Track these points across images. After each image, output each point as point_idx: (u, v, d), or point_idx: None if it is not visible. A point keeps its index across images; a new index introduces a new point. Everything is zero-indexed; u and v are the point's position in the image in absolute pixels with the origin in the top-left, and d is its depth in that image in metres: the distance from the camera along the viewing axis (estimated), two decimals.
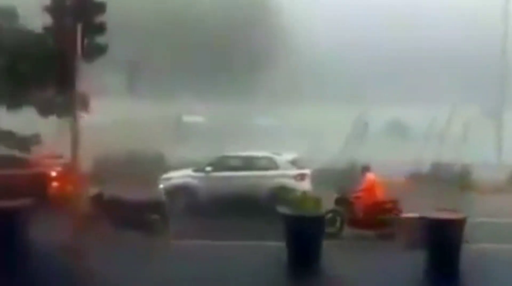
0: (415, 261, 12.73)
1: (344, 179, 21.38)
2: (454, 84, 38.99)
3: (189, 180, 20.86)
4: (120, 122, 29.11)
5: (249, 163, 21.15)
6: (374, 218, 16.49)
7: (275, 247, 13.66)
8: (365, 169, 17.55)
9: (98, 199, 15.98)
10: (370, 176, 17.27)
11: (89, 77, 16.04)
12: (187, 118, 41.64)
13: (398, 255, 13.89)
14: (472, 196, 23.10)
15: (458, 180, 25.14)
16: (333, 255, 13.13)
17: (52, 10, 15.19)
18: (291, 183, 20.36)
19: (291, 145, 25.66)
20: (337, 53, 50.47)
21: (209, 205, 19.62)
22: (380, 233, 16.31)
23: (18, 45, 17.19)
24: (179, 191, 20.30)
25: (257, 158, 21.37)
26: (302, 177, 20.76)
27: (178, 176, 21.21)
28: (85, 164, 15.91)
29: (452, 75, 40.45)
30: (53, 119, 17.66)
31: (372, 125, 35.52)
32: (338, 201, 17.07)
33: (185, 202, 19.63)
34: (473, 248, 13.19)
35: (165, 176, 21.30)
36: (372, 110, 38.82)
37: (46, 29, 15.31)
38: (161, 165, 24.29)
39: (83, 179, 16.71)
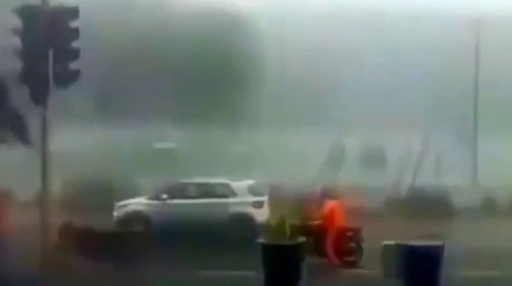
0: None
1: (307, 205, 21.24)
2: (429, 110, 39.44)
3: (143, 207, 20.72)
4: (90, 148, 28.92)
5: (206, 190, 21.03)
6: (337, 246, 16.17)
7: (244, 276, 13.63)
8: (326, 194, 17.13)
9: (66, 229, 15.79)
10: (331, 201, 16.62)
11: (60, 102, 15.97)
12: (158, 144, 41.62)
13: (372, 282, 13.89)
14: (449, 221, 23.31)
15: (435, 204, 25.33)
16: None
17: (23, 33, 15.11)
18: (249, 210, 20.37)
19: (261, 171, 25.70)
20: (312, 77, 50.98)
21: (163, 233, 19.09)
22: (344, 261, 16.09)
23: None
24: (133, 218, 20.11)
25: (214, 185, 21.23)
26: (260, 204, 20.70)
27: (133, 203, 21.02)
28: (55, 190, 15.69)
29: (427, 101, 40.92)
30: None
31: (347, 150, 35.80)
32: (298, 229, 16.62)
33: (139, 230, 19.24)
34: (453, 275, 13.24)
35: (120, 203, 21.01)
36: (347, 134, 39.15)
37: (17, 51, 15.19)
38: (128, 192, 24.07)
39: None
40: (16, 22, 15.22)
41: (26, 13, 15.23)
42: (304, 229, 15.81)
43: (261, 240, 13.29)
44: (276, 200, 21.99)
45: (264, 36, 49.47)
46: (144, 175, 25.48)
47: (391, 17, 46.71)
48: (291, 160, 36.02)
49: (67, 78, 15.72)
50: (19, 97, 16.21)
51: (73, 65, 15.71)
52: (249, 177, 22.23)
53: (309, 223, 16.49)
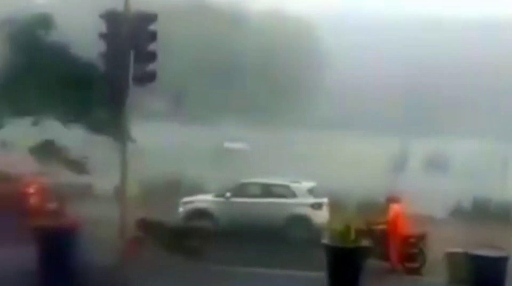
0: None
1: (370, 210, 21.03)
2: (496, 119, 38.68)
3: (207, 204, 21.10)
4: (165, 146, 29.50)
5: (267, 190, 21.22)
6: (400, 251, 15.97)
7: (302, 276, 13.70)
8: (391, 200, 16.73)
9: (141, 223, 16.33)
10: (395, 207, 16.37)
11: (139, 102, 16.44)
12: (228, 144, 42.01)
13: None
14: None
15: (500, 213, 24.75)
16: None
17: (107, 37, 15.64)
18: (308, 211, 20.43)
19: (325, 173, 25.71)
20: (378, 82, 50.57)
21: (224, 230, 19.55)
22: (407, 267, 15.90)
23: (76, 68, 17.72)
24: (196, 215, 20.50)
25: (275, 185, 21.39)
26: (319, 206, 20.75)
27: (197, 200, 21.42)
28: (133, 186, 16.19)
29: (494, 110, 40.14)
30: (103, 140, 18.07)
31: (411, 157, 35.40)
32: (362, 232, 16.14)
33: (205, 226, 19.48)
34: None
35: (185, 199, 21.45)
36: (412, 142, 38.65)
37: (101, 54, 15.75)
38: (197, 189, 24.51)
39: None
40: (102, 26, 15.70)
41: (110, 19, 15.69)
42: (368, 233, 15.64)
43: (325, 241, 13.38)
44: (338, 203, 22.08)
45: (332, 39, 49.41)
46: (213, 173, 25.79)
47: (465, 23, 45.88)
48: (355, 163, 35.88)
49: (145, 79, 16.09)
50: (101, 96, 16.72)
51: (151, 67, 16.06)
52: (313, 178, 22.30)
53: (373, 227, 16.34)
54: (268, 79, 48.55)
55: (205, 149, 32.01)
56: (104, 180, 21.19)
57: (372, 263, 15.10)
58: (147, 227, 16.26)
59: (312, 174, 23.80)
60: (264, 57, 48.99)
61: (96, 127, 17.99)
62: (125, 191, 15.36)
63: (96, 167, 19.66)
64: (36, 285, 12.78)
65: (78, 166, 18.58)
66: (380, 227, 16.44)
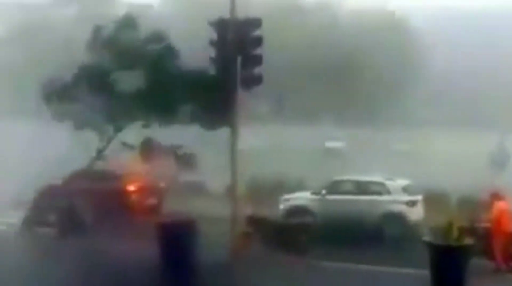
0: None
1: (471, 207, 20.36)
2: None
3: (305, 201, 21.29)
4: (270, 147, 29.96)
5: (361, 188, 21.10)
6: (505, 250, 15.30)
7: (410, 274, 13.69)
8: (495, 197, 15.84)
9: (250, 220, 16.83)
10: (500, 204, 15.54)
11: (246, 104, 16.89)
12: (329, 144, 42.07)
13: None
14: None
15: None
16: None
17: (216, 43, 16.18)
18: (403, 209, 20.18)
19: (424, 171, 25.36)
20: (473, 79, 49.24)
21: (323, 226, 19.49)
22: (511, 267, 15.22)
23: (186, 74, 18.42)
24: (297, 211, 20.71)
25: (369, 182, 21.23)
26: (413, 203, 20.45)
27: (297, 198, 21.66)
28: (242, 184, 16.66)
29: None
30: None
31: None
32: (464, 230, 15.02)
33: (307, 222, 19.53)
34: None
35: (285, 197, 21.78)
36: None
37: (211, 59, 16.29)
38: (303, 188, 24.80)
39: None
40: (211, 33, 16.25)
41: (218, 25, 16.20)
42: (471, 231, 14.97)
43: (427, 239, 13.32)
44: (435, 200, 21.75)
45: (428, 35, 48.42)
46: (315, 172, 25.97)
47: None
48: (453, 160, 35.14)
49: (252, 82, 16.51)
50: (211, 100, 17.27)
51: (257, 70, 16.46)
52: (408, 176, 22.05)
53: (476, 225, 15.76)
54: (366, 78, 48.21)
55: (307, 148, 32.23)
56: (214, 179, 21.83)
57: (475, 262, 14.46)
58: (256, 223, 16.71)
59: (410, 172, 23.54)
60: (361, 56, 48.69)
61: (206, 130, 18.55)
62: (235, 189, 15.82)
63: (207, 167, 20.32)
64: (158, 278, 13.36)
65: (187, 162, 19.20)
66: (484, 224, 15.84)
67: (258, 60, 16.42)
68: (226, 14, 16.20)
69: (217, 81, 16.39)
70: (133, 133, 19.28)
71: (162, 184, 22.74)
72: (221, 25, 16.20)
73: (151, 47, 18.85)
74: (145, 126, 18.97)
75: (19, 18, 48.40)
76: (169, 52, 18.64)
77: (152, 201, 21.61)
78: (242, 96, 16.26)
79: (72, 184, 19.83)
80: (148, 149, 18.89)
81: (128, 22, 19.01)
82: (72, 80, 18.59)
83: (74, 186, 19.53)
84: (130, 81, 18.40)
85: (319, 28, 48.23)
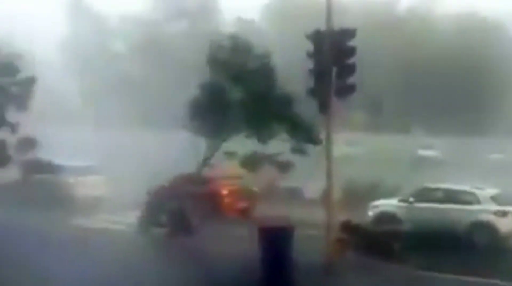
0: None
1: None
2: None
3: (392, 208, 20.85)
4: (364, 154, 29.63)
5: (450, 196, 20.33)
6: None
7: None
8: None
9: (346, 225, 16.58)
10: None
11: (340, 113, 16.76)
12: (422, 152, 40.97)
13: None
14: None
15: None
16: None
17: (313, 54, 16.18)
18: (492, 219, 19.28)
19: None
20: None
21: (410, 234, 19.00)
22: None
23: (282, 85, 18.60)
24: (385, 218, 20.33)
25: (458, 191, 20.41)
26: (503, 213, 19.42)
27: (385, 204, 21.26)
28: (336, 191, 16.53)
29: None
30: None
31: None
32: None
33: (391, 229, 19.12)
34: None
35: (374, 203, 21.48)
36: None
37: (308, 70, 16.30)
38: (396, 195, 24.33)
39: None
40: (308, 45, 16.26)
41: (315, 37, 16.20)
42: None
43: None
44: None
45: None
46: (408, 180, 25.36)
47: None
48: None
49: (346, 92, 16.35)
50: (308, 108, 17.33)
51: (351, 80, 16.29)
52: (502, 186, 21.16)
53: None
54: (462, 85, 46.59)
55: (401, 156, 31.54)
56: (310, 185, 21.88)
57: None
58: (351, 229, 16.47)
59: (504, 182, 22.56)
60: (455, 63, 47.18)
61: (303, 138, 18.62)
62: (331, 195, 15.72)
63: (304, 174, 20.34)
64: (258, 280, 13.45)
65: (283, 167, 19.33)
66: None
67: (352, 69, 16.28)
68: (322, 26, 16.16)
69: (312, 91, 16.31)
70: (237, 143, 19.48)
71: (255, 189, 23.18)
72: (317, 37, 16.22)
73: (255, 61, 19.07)
74: (248, 137, 19.13)
75: (137, 33, 50.27)
76: (271, 66, 18.87)
77: (244, 204, 22.91)
78: (336, 104, 16.08)
79: (180, 187, 20.64)
80: (251, 158, 19.10)
81: (237, 40, 19.32)
82: (192, 95, 19.20)
83: (182, 189, 20.18)
84: (236, 94, 18.77)
85: (414, 35, 47.16)
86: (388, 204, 21.36)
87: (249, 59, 19.13)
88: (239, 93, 18.94)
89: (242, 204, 23.16)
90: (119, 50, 53.20)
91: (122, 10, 50.41)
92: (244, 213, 22.91)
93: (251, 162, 19.31)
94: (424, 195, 20.75)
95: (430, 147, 42.50)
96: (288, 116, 18.55)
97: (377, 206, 21.34)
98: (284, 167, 19.08)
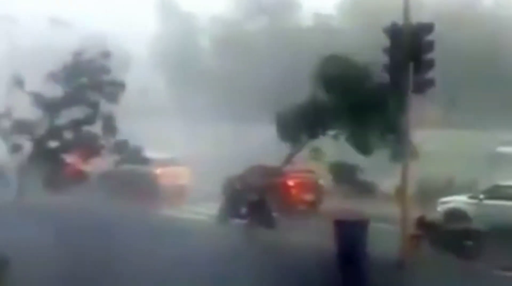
0: None
1: None
2: None
3: (463, 205, 20.09)
4: (441, 150, 28.57)
5: None
6: None
7: None
8: None
9: (420, 222, 15.92)
10: None
11: (418, 108, 16.08)
12: (501, 149, 39.10)
13: None
14: None
15: None
16: None
17: (390, 49, 15.56)
18: None
19: None
20: None
21: (483, 231, 18.01)
22: None
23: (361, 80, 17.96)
24: (454, 215, 19.64)
25: None
26: None
27: (454, 201, 20.51)
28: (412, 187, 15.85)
29: None
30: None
31: None
32: None
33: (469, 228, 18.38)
34: None
35: (442, 199, 20.79)
36: None
37: (384, 66, 15.73)
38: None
39: None
40: (385, 40, 15.64)
41: (392, 32, 15.60)
42: None
43: None
44: None
45: None
46: (485, 177, 24.17)
47: None
48: None
49: (423, 87, 15.68)
50: (385, 105, 16.74)
51: (429, 75, 15.61)
52: None
53: None
54: None
55: (478, 153, 30.14)
56: (386, 181, 21.32)
57: None
58: (426, 225, 15.83)
59: None
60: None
61: (380, 133, 18.03)
62: (406, 191, 15.12)
63: (379, 169, 19.77)
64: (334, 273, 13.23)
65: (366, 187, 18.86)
66: None
67: (429, 64, 15.61)
68: (400, 20, 15.55)
69: (389, 86, 15.72)
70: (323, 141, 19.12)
71: (321, 182, 23.61)
72: (394, 32, 15.63)
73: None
74: (335, 137, 18.81)
75: (220, 31, 50.77)
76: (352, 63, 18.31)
77: (311, 196, 23.03)
78: (414, 100, 15.42)
79: (257, 178, 20.47)
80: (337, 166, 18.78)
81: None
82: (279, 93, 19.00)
83: (259, 180, 20.09)
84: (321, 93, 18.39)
85: (495, 28, 45.01)
86: (456, 200, 20.67)
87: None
88: (331, 94, 18.44)
89: (309, 197, 23.09)
90: (203, 47, 53.77)
91: (206, 9, 50.95)
92: (311, 206, 22.84)
93: (336, 171, 18.92)
94: (496, 192, 19.93)
95: (510, 144, 40.57)
96: (369, 110, 17.80)
97: (446, 202, 20.67)
98: (367, 188, 18.62)
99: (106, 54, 23.63)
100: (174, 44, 52.04)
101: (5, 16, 33.22)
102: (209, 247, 16.11)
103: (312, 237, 17.10)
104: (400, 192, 15.33)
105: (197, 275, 12.95)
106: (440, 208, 20.51)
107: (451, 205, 20.38)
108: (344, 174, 18.96)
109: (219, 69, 47.90)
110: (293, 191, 22.86)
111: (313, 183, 23.68)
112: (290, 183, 22.86)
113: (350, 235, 13.36)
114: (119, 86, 23.83)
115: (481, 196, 19.94)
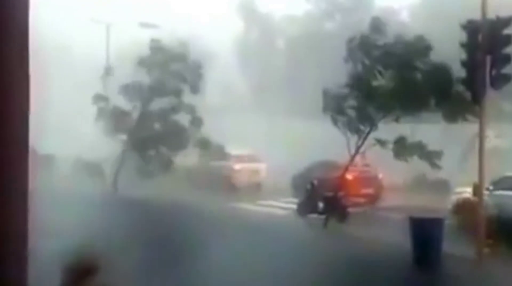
0: None
1: None
2: None
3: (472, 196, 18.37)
4: None
5: None
6: None
7: None
8: None
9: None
10: None
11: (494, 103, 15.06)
12: None
13: None
14: None
15: None
16: None
17: (467, 44, 14.66)
18: None
19: None
20: None
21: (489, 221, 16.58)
22: None
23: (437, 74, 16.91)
24: (464, 205, 18.12)
25: None
26: None
27: (465, 192, 19.01)
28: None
29: None
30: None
31: None
32: None
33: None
34: None
35: (457, 190, 19.74)
36: None
37: (461, 61, 14.81)
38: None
39: None
40: (462, 36, 14.72)
41: (469, 27, 14.65)
42: None
43: None
44: None
45: None
46: None
47: None
48: None
49: (500, 82, 14.63)
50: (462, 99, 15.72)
51: (506, 69, 14.54)
52: None
53: None
54: None
55: None
56: (459, 177, 20.24)
57: None
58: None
59: None
60: None
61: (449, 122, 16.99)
62: (482, 188, 14.15)
63: (452, 166, 18.78)
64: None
65: (433, 160, 17.59)
66: None
67: (507, 59, 14.50)
68: (477, 15, 14.56)
69: (467, 81, 14.75)
70: (386, 130, 18.12)
71: (380, 176, 22.93)
72: (471, 26, 14.63)
73: (402, 47, 17.52)
74: (396, 120, 17.62)
75: (296, 31, 50.38)
76: (420, 51, 17.22)
77: (369, 190, 22.25)
78: (490, 95, 14.42)
79: (334, 175, 19.98)
80: (401, 145, 17.62)
81: (378, 27, 17.91)
82: (343, 86, 18.06)
83: (336, 177, 19.43)
84: (383, 80, 17.48)
85: None
86: (469, 191, 19.13)
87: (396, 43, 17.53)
88: (387, 79, 17.46)
89: (367, 191, 22.42)
90: (280, 46, 53.44)
91: (283, 9, 50.74)
92: (370, 200, 22.15)
93: (403, 150, 17.71)
94: (504, 183, 18.85)
95: None
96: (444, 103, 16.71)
97: (459, 193, 19.57)
98: (434, 156, 17.32)
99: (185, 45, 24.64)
100: (253, 45, 52.07)
101: (101, 20, 35.01)
102: (293, 240, 15.79)
103: (385, 232, 16.36)
104: (477, 188, 14.37)
105: (284, 265, 12.59)
106: (453, 198, 19.46)
107: (463, 195, 19.09)
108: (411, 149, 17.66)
109: (294, 68, 47.45)
110: (355, 186, 22.02)
111: (373, 178, 23.06)
112: (352, 177, 21.84)
113: (425, 231, 12.78)
114: (201, 76, 24.60)
115: (491, 187, 18.56)
